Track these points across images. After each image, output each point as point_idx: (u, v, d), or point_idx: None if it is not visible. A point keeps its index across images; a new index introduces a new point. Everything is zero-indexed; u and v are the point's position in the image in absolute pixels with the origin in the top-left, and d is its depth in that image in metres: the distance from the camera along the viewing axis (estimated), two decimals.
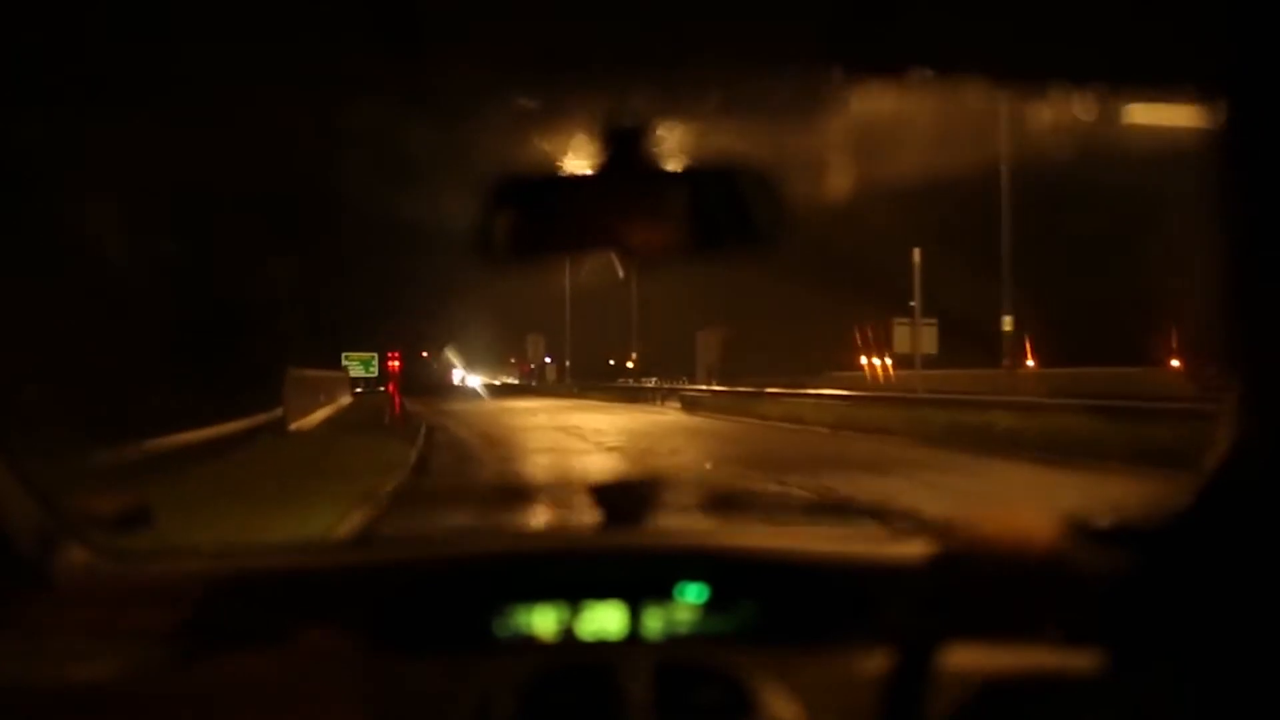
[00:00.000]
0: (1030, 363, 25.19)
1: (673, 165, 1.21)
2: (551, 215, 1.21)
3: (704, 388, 27.87)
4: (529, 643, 1.20)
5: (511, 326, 54.31)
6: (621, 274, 1.33)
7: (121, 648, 1.10)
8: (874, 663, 0.79)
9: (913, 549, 1.17)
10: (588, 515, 1.39)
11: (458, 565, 1.29)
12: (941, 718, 0.83)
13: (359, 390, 35.99)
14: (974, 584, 0.77)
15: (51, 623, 1.13)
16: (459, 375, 52.98)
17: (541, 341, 53.68)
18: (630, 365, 49.22)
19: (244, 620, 1.17)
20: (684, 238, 1.23)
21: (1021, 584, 0.75)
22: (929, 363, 20.22)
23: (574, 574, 1.25)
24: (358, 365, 43.34)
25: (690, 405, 24.50)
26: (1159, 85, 1.13)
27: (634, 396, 31.33)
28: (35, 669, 1.06)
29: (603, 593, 1.22)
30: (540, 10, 1.12)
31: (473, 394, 39.88)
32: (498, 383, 51.21)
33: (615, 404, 27.81)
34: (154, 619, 1.15)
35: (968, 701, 0.98)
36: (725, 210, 1.20)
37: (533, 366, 52.27)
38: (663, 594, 1.22)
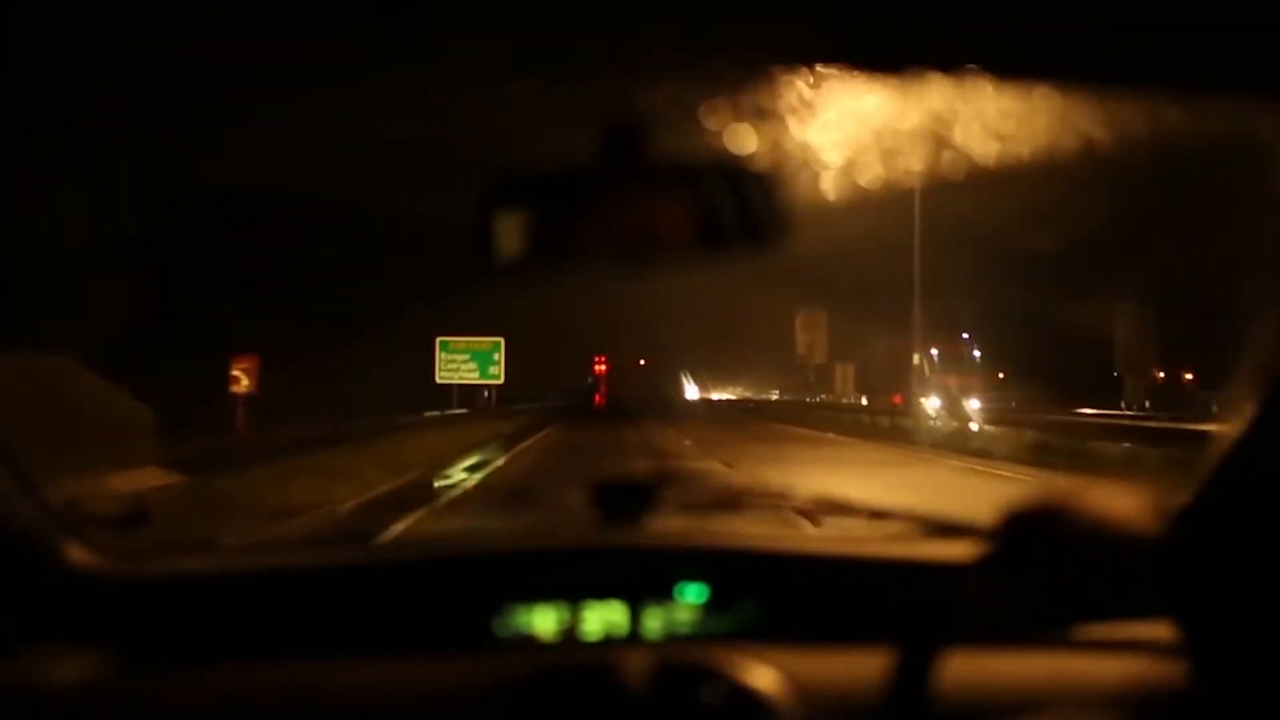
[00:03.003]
0: None
1: (676, 163, 1.21)
2: (551, 214, 1.21)
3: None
4: (529, 643, 1.20)
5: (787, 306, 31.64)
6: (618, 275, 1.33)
7: (120, 647, 1.12)
8: (875, 662, 0.78)
9: (914, 550, 1.17)
10: (589, 514, 1.39)
11: (458, 565, 1.30)
12: (943, 718, 0.82)
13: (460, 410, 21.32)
14: (999, 584, 0.76)
15: (51, 622, 1.14)
16: (693, 391, 37.15)
17: (821, 325, 29.27)
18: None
19: (243, 619, 1.19)
20: (690, 235, 1.22)
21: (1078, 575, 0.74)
22: None
23: (574, 574, 1.25)
24: (461, 361, 24.30)
25: None
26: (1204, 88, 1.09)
27: None
28: (34, 668, 1.08)
29: (603, 593, 1.22)
30: (542, 8, 1.12)
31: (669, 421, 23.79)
32: (739, 396, 32.80)
33: None
34: (153, 618, 1.18)
35: (970, 703, 0.97)
36: (731, 207, 1.20)
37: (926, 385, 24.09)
38: (663, 594, 1.22)
